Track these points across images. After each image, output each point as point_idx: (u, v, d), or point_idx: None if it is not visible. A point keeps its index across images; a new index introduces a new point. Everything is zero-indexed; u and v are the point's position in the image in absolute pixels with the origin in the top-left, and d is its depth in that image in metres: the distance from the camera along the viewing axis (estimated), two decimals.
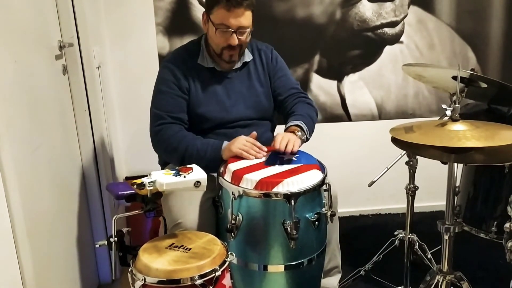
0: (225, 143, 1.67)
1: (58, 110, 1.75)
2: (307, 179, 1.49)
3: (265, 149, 1.67)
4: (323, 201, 1.54)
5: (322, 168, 1.60)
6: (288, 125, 1.76)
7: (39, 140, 1.55)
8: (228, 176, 1.54)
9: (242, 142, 1.64)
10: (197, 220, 1.58)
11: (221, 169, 1.61)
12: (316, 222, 1.50)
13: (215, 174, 1.64)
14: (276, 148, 1.60)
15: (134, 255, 1.33)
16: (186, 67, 1.75)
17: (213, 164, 1.65)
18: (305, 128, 1.74)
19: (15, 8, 1.45)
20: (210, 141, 1.69)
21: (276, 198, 1.45)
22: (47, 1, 1.73)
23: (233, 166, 1.56)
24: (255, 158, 1.63)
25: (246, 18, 1.65)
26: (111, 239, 1.33)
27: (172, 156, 1.73)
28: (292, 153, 1.63)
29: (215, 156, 1.65)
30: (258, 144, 1.67)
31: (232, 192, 1.48)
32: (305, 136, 1.73)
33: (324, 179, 1.54)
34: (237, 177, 1.50)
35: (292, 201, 1.43)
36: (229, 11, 1.62)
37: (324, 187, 1.54)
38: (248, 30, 1.68)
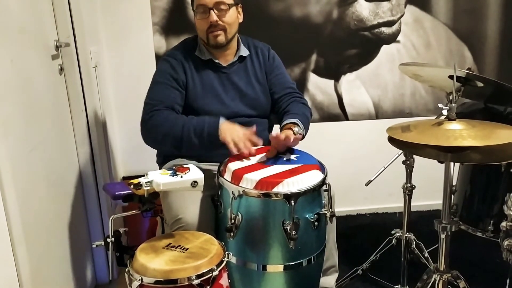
0: (222, 119, 1.63)
1: (55, 110, 1.75)
2: (307, 180, 1.49)
3: (254, 149, 1.63)
4: (323, 202, 1.54)
5: (322, 168, 1.59)
6: (284, 122, 1.76)
7: (36, 140, 1.54)
8: (228, 176, 1.54)
9: (237, 133, 1.61)
10: (197, 216, 1.57)
11: (221, 168, 1.60)
12: (316, 223, 1.50)
13: (214, 172, 1.63)
14: (273, 135, 1.58)
15: (131, 255, 1.33)
16: (184, 60, 1.76)
17: (213, 141, 1.61)
18: (301, 125, 1.74)
19: (11, 7, 1.44)
20: (206, 118, 1.66)
21: (276, 198, 1.45)
22: (43, 0, 1.73)
23: (233, 166, 1.56)
24: (239, 152, 1.58)
25: None
26: (108, 239, 1.33)
27: (165, 140, 1.66)
28: (290, 150, 1.62)
29: (214, 131, 1.61)
30: (255, 139, 1.63)
31: (232, 192, 1.48)
32: (302, 131, 1.74)
33: (324, 179, 1.53)
34: (237, 176, 1.50)
35: (292, 201, 1.43)
36: None
37: (324, 187, 1.53)
38: (226, 6, 1.68)
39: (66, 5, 1.84)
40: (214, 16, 1.68)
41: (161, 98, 1.70)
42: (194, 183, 1.35)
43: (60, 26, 1.83)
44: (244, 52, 1.84)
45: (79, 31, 1.90)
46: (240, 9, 1.78)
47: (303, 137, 1.76)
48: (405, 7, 2.53)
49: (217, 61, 1.79)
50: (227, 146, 1.59)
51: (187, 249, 1.33)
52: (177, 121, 1.65)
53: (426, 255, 1.97)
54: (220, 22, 1.70)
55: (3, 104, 1.33)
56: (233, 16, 1.74)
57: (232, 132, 1.62)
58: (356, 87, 2.62)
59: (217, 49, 1.78)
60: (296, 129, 1.71)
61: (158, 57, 2.40)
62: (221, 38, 1.73)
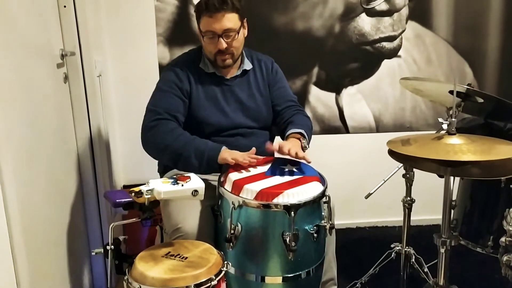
0: (224, 147, 1.66)
1: (58, 117, 1.76)
2: (307, 191, 1.49)
3: (260, 157, 1.65)
4: (323, 214, 1.54)
5: (322, 180, 1.60)
6: (290, 131, 1.77)
7: (38, 146, 1.55)
8: (228, 186, 1.54)
9: (238, 153, 1.63)
10: (197, 225, 1.58)
11: (222, 179, 1.61)
12: (315, 234, 1.50)
13: (214, 183, 1.64)
14: (285, 152, 1.60)
15: (130, 263, 1.33)
16: (189, 70, 1.78)
17: (211, 165, 1.64)
18: (306, 137, 1.76)
19: (17, 16, 1.46)
20: (209, 142, 1.68)
21: (276, 209, 1.45)
22: (50, 10, 1.75)
23: (233, 176, 1.57)
24: (249, 163, 1.61)
25: (229, 21, 1.68)
26: (108, 247, 1.33)
27: (164, 153, 1.69)
28: (291, 162, 1.62)
29: (214, 156, 1.63)
30: (254, 156, 1.65)
31: (232, 202, 1.48)
32: (307, 145, 1.76)
33: (324, 191, 1.54)
34: (237, 187, 1.51)
35: (292, 212, 1.43)
36: (211, 17, 1.67)
37: (324, 199, 1.54)
38: (235, 32, 1.70)
39: (72, 15, 1.86)
40: (223, 43, 1.70)
41: (165, 106, 1.72)
42: (195, 192, 1.36)
43: (66, 35, 1.85)
44: (248, 65, 1.86)
45: (85, 41, 1.93)
46: (245, 23, 1.78)
47: (306, 148, 1.77)
48: (406, 22, 2.55)
49: (220, 74, 1.81)
50: (223, 168, 1.64)
51: (186, 258, 1.33)
52: (180, 137, 1.67)
53: (426, 270, 1.96)
54: (228, 48, 1.72)
55: (7, 110, 1.34)
56: (241, 39, 1.76)
57: (232, 153, 1.63)
58: (357, 101, 2.63)
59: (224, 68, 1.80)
60: (304, 141, 1.74)
61: (162, 68, 2.42)
62: (229, 62, 1.76)
